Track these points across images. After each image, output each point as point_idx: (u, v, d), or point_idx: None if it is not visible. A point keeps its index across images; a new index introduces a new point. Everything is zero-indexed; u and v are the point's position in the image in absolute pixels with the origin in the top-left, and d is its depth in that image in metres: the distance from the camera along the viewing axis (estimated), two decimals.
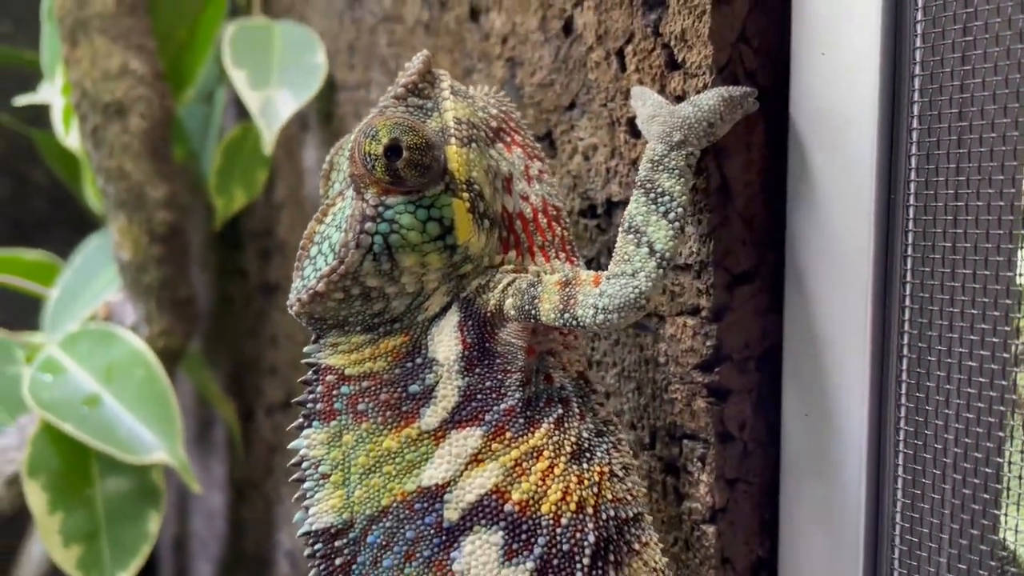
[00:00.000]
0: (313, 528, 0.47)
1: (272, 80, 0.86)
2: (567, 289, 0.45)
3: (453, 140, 0.47)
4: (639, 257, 0.44)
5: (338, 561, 0.47)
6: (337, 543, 0.47)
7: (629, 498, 0.47)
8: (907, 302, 0.46)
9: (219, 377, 1.26)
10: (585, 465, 0.47)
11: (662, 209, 0.44)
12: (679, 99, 0.49)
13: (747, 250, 0.50)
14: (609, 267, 0.45)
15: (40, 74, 1.18)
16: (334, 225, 0.48)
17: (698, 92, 0.48)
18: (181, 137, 1.09)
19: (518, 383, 0.47)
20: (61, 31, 0.92)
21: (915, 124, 0.45)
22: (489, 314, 0.48)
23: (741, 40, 0.48)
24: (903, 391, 0.46)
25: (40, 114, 1.23)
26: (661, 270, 0.44)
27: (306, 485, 0.48)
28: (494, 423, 0.47)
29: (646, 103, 0.48)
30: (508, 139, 0.51)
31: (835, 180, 0.48)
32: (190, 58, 1.00)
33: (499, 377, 0.47)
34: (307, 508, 0.48)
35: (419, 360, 0.48)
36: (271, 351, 1.10)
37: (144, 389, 0.98)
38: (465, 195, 0.47)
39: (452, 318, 0.48)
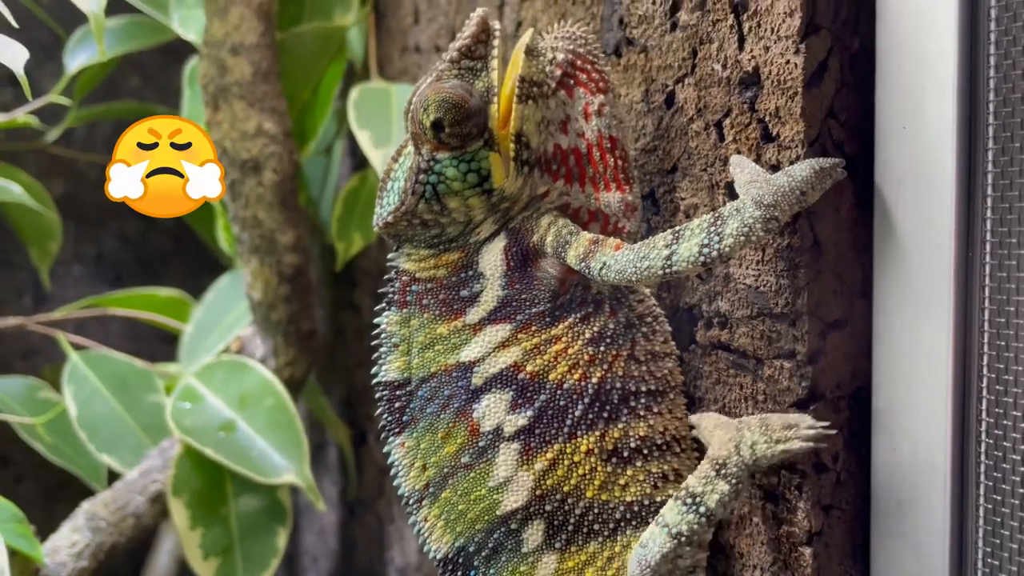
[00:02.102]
0: (383, 380, 0.64)
1: (392, 139, 0.96)
2: (593, 245, 0.57)
3: (495, 99, 0.59)
4: (657, 255, 0.54)
5: (396, 405, 0.63)
6: (397, 392, 0.63)
7: (647, 377, 0.59)
8: (986, 348, 0.51)
9: (333, 403, 1.36)
10: (602, 348, 0.59)
11: (705, 239, 0.52)
12: (774, 168, 0.56)
13: (838, 300, 0.56)
14: (637, 243, 0.56)
15: None
16: (401, 170, 0.62)
17: (791, 163, 0.54)
18: (303, 185, 1.19)
19: (550, 296, 0.60)
20: (204, 97, 1.03)
21: (990, 191, 0.50)
22: (532, 245, 0.60)
23: (830, 116, 0.55)
24: (983, 428, 0.52)
25: None
26: (662, 272, 0.54)
27: (382, 349, 0.64)
28: (523, 321, 0.60)
29: (744, 170, 0.54)
30: (571, 82, 0.60)
31: (917, 239, 0.53)
32: (312, 116, 1.11)
33: (534, 292, 0.60)
34: (380, 365, 0.64)
35: (471, 272, 0.62)
36: None
37: (274, 416, 1.08)
38: (512, 145, 0.59)
39: (500, 243, 0.62)
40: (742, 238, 0.51)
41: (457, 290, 0.62)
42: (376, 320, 0.64)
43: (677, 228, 0.54)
